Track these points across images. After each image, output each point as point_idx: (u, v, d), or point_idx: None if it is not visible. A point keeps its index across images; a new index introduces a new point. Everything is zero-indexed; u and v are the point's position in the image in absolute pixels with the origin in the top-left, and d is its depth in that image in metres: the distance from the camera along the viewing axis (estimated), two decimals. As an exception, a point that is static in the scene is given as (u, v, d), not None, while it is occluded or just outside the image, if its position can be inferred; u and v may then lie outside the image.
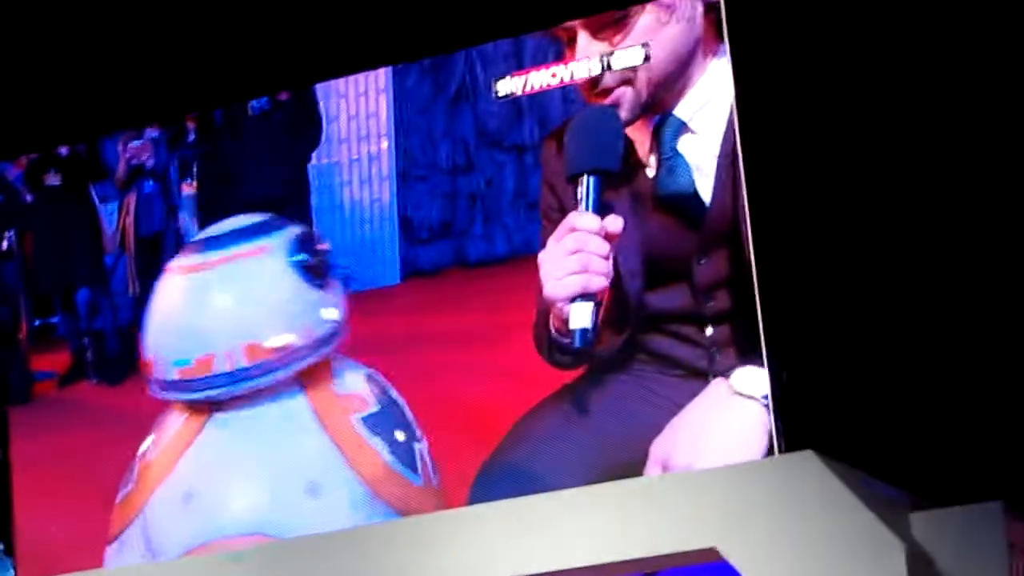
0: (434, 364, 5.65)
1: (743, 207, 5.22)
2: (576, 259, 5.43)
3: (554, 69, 5.60)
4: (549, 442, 5.42)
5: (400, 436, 5.63)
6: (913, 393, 5.52)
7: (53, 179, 6.46)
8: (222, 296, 5.92)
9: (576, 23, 5.57)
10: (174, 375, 5.91)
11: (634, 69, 5.47)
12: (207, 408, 5.87)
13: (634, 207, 5.43)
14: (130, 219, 6.27)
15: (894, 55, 5.71)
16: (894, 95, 5.71)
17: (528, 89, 5.64)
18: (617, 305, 5.40)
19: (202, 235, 6.06)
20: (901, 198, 5.68)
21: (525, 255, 5.53)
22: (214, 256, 5.97)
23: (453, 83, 5.79)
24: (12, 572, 6.10)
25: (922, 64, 5.70)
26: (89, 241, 6.35)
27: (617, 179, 5.45)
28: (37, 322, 6.42)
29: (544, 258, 5.48)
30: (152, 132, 6.28)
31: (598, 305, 5.40)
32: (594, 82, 5.53)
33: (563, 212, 5.48)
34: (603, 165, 5.46)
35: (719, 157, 5.32)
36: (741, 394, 5.18)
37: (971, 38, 5.66)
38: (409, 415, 5.64)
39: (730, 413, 5.20)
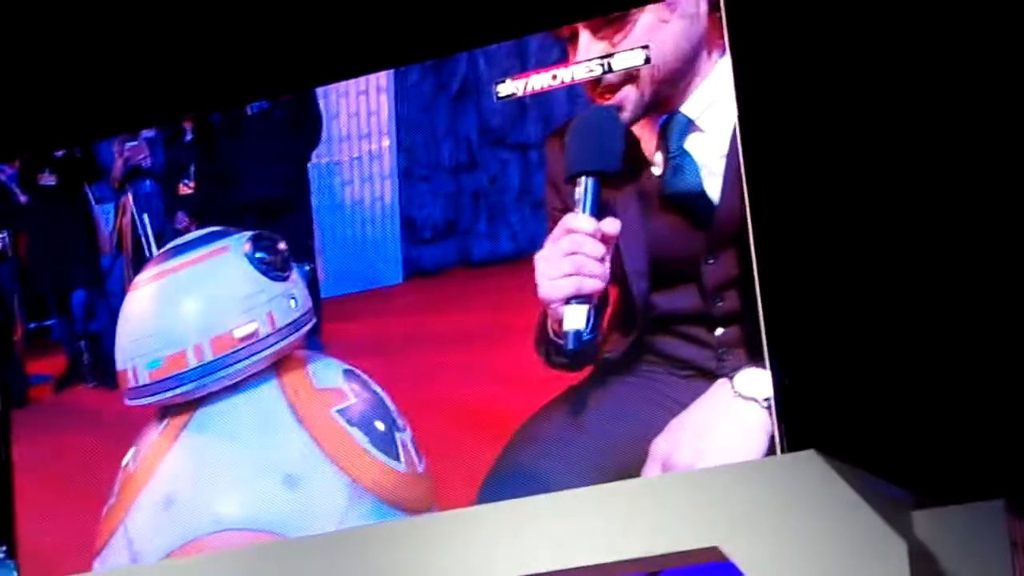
0: (434, 364, 5.63)
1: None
2: (570, 261, 5.42)
3: (555, 71, 5.59)
4: (556, 444, 5.40)
5: (380, 426, 5.64)
6: (915, 392, 5.52)
7: (48, 179, 6.43)
8: (187, 297, 5.92)
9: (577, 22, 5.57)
10: (147, 379, 5.90)
11: (637, 67, 5.47)
12: (184, 413, 5.86)
13: (640, 206, 5.41)
14: (126, 219, 6.25)
15: (897, 55, 5.72)
16: (899, 98, 5.71)
17: (529, 91, 5.63)
18: (624, 306, 5.39)
19: (163, 248, 6.08)
20: (902, 198, 5.68)
21: (530, 253, 5.51)
22: (176, 262, 5.99)
23: (455, 80, 5.78)
24: (15, 575, 6.07)
25: (923, 64, 5.71)
26: (85, 242, 6.32)
27: (623, 178, 5.43)
28: (32, 325, 6.40)
29: (540, 259, 5.48)
30: (148, 132, 6.27)
31: (594, 307, 5.40)
32: (598, 79, 5.51)
33: (567, 212, 5.47)
34: (601, 167, 5.45)
35: (727, 156, 5.29)
36: (743, 396, 5.18)
37: (976, 36, 5.67)
38: (391, 406, 5.64)
39: (732, 413, 5.19)
